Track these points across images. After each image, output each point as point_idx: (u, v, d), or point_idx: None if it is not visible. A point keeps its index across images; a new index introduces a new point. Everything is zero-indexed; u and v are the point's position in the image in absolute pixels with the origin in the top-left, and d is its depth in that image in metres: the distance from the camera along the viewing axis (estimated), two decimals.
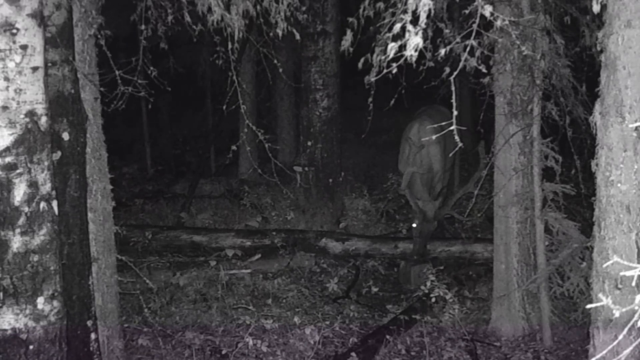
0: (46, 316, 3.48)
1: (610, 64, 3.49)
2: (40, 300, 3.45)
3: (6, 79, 3.25)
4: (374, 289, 7.28)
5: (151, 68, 5.25)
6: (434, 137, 7.15)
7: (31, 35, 3.31)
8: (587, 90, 5.40)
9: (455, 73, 3.49)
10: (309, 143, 9.02)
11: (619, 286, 3.51)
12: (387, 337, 5.83)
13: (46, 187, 3.45)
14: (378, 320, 6.56)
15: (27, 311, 3.41)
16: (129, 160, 12.51)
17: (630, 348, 3.33)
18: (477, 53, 4.02)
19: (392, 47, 3.20)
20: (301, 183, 9.01)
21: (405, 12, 3.24)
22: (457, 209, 8.04)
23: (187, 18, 5.00)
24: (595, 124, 3.68)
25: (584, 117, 5.35)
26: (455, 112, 3.39)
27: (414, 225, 7.45)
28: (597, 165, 3.66)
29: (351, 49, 4.26)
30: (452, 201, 7.73)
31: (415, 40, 3.13)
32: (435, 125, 6.30)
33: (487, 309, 6.36)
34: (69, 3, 4.14)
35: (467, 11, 3.87)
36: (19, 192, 3.34)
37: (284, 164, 8.33)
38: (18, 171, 3.33)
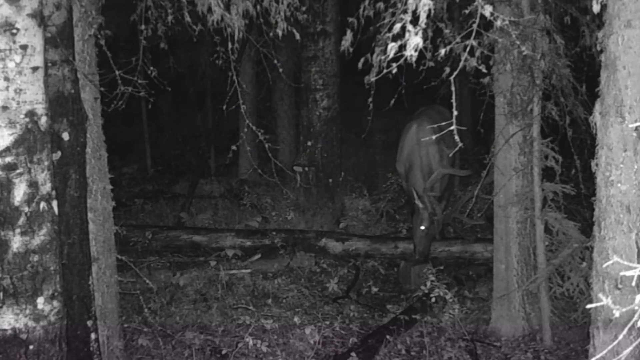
0: (46, 316, 3.48)
1: (610, 64, 3.49)
2: (40, 300, 3.45)
3: (6, 79, 3.25)
4: (374, 289, 7.28)
5: (151, 68, 5.25)
6: (433, 137, 7.15)
7: (31, 35, 3.31)
8: (587, 90, 5.40)
9: (455, 73, 3.49)
10: (309, 143, 9.02)
11: (619, 286, 3.51)
12: (387, 337, 5.83)
13: (46, 187, 3.45)
14: (378, 320, 6.56)
15: (27, 311, 3.41)
16: (129, 160, 12.50)
17: (630, 348, 3.33)
18: (477, 53, 4.02)
19: (392, 47, 3.21)
20: (301, 183, 9.02)
21: (405, 12, 3.24)
22: (458, 210, 8.03)
23: (187, 18, 5.00)
24: (595, 124, 3.69)
25: (584, 117, 5.35)
26: (455, 112, 3.39)
27: (422, 227, 7.37)
28: (597, 165, 3.66)
29: (351, 49, 4.26)
30: (458, 204, 7.73)
31: (415, 40, 3.13)
32: (435, 126, 6.30)
33: (487, 309, 6.36)
34: (69, 3, 4.14)
35: (467, 11, 3.88)
36: (19, 192, 3.34)
37: (284, 164, 8.34)
38: (18, 171, 3.33)
